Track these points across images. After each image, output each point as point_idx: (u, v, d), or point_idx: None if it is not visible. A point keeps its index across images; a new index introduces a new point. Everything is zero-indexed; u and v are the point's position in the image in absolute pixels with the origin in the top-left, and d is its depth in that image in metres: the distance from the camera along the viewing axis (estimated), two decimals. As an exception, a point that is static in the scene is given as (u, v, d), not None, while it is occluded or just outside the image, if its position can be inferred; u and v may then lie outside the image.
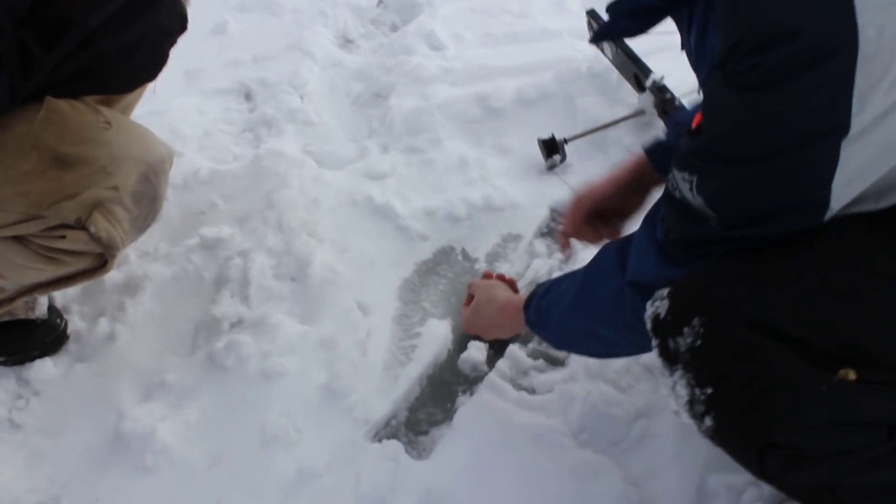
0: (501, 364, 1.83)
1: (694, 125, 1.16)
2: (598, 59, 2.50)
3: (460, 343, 1.93)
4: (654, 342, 1.12)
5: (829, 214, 1.02)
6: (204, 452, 1.72)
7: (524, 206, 2.22)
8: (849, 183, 0.99)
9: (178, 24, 1.61)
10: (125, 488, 1.67)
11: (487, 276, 1.89)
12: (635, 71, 2.30)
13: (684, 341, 1.08)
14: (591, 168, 2.26)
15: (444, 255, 2.16)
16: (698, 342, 1.06)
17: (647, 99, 2.28)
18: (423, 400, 1.84)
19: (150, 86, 1.75)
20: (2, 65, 1.36)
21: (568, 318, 1.45)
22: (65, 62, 1.45)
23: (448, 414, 1.78)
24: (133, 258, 2.07)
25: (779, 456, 1.06)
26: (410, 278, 2.10)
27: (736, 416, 1.06)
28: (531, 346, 1.88)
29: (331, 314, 1.96)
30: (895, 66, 0.90)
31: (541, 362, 1.84)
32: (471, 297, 1.85)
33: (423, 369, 1.87)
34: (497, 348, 1.88)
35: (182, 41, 1.61)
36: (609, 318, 1.31)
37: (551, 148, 2.29)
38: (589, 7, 2.46)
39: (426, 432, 1.77)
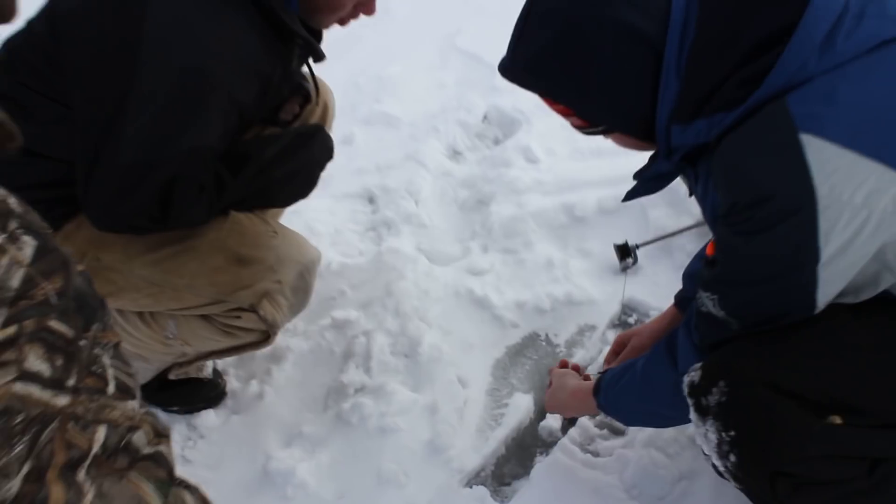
0: (573, 432, 2.19)
1: (709, 253, 1.56)
2: (669, 176, 2.89)
3: (541, 413, 2.30)
4: (691, 401, 1.47)
5: (817, 310, 1.38)
6: (332, 489, 2.13)
7: (600, 301, 2.59)
8: (828, 291, 1.36)
9: (327, 156, 2.11)
10: (271, 514, 2.10)
11: (563, 364, 2.21)
12: (699, 189, 2.67)
13: (713, 398, 1.42)
14: (658, 270, 2.62)
15: (531, 341, 2.54)
16: (724, 398, 1.41)
17: (709, 212, 2.64)
18: (508, 457, 2.20)
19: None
20: (204, 189, 1.84)
21: (636, 404, 1.81)
22: (246, 186, 1.94)
23: (527, 469, 2.14)
24: (278, 334, 2.52)
25: (786, 482, 1.39)
26: (502, 359, 2.48)
27: (753, 451, 1.40)
28: (598, 418, 2.24)
29: (436, 385, 2.35)
30: (845, 211, 1.26)
31: (605, 431, 2.20)
32: (550, 382, 2.18)
33: (508, 433, 2.24)
34: (571, 419, 2.25)
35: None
36: (670, 402, 1.61)
37: (625, 252, 2.66)
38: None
39: (509, 484, 2.14)
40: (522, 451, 2.22)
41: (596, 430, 2.21)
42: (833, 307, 1.41)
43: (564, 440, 2.17)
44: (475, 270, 2.76)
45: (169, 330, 2.04)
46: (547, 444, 2.22)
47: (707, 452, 1.49)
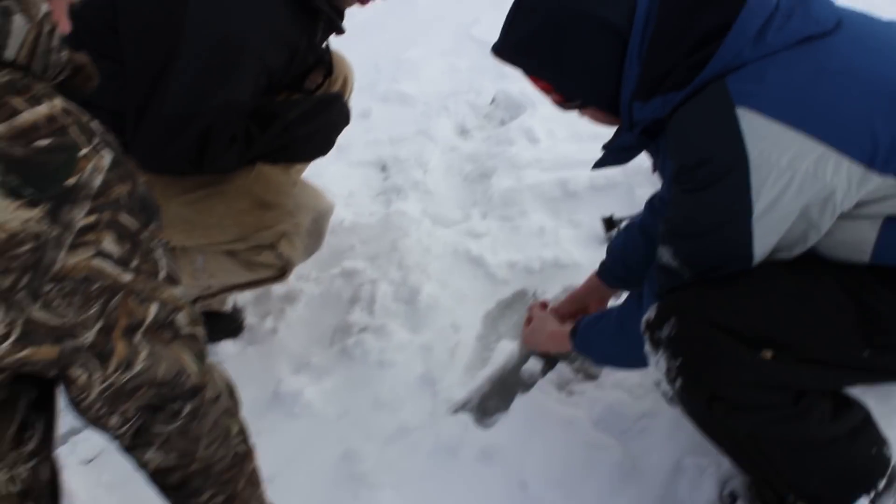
0: (551, 375, 2.43)
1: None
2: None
3: (523, 358, 2.53)
4: (647, 335, 1.72)
5: (755, 262, 1.63)
6: (334, 409, 2.39)
7: (584, 265, 2.79)
8: (763, 243, 1.60)
9: (343, 121, 2.38)
10: (279, 427, 2.35)
11: (544, 304, 2.50)
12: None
13: (665, 332, 1.66)
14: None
15: (520, 296, 2.77)
16: (673, 332, 1.65)
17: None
18: (491, 394, 2.43)
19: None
20: (236, 140, 2.12)
21: (609, 345, 2.05)
22: (272, 140, 2.21)
23: (507, 404, 2.37)
24: (292, 278, 2.70)
25: (721, 405, 1.63)
26: (492, 310, 2.72)
27: (694, 376, 1.65)
28: (576, 364, 2.48)
29: (431, 329, 2.60)
30: (773, 172, 1.51)
31: (580, 376, 2.44)
32: (529, 319, 2.46)
33: (493, 373, 2.47)
34: (550, 363, 2.49)
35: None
36: (638, 344, 1.75)
37: (610, 224, 2.90)
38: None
39: (490, 415, 2.37)
40: (505, 389, 2.44)
41: (572, 375, 2.45)
42: (770, 261, 1.65)
43: (543, 381, 2.41)
44: (474, 233, 3.00)
45: (197, 263, 2.31)
46: (527, 385, 2.43)
47: (658, 380, 1.74)
